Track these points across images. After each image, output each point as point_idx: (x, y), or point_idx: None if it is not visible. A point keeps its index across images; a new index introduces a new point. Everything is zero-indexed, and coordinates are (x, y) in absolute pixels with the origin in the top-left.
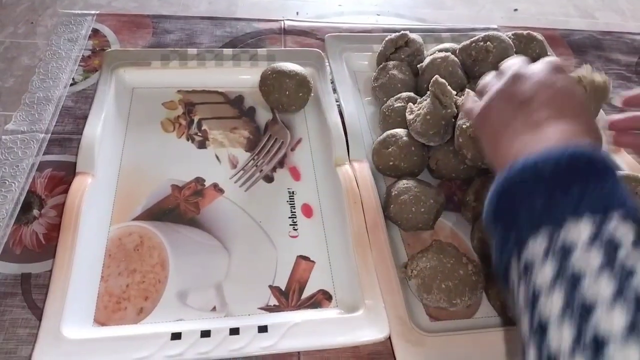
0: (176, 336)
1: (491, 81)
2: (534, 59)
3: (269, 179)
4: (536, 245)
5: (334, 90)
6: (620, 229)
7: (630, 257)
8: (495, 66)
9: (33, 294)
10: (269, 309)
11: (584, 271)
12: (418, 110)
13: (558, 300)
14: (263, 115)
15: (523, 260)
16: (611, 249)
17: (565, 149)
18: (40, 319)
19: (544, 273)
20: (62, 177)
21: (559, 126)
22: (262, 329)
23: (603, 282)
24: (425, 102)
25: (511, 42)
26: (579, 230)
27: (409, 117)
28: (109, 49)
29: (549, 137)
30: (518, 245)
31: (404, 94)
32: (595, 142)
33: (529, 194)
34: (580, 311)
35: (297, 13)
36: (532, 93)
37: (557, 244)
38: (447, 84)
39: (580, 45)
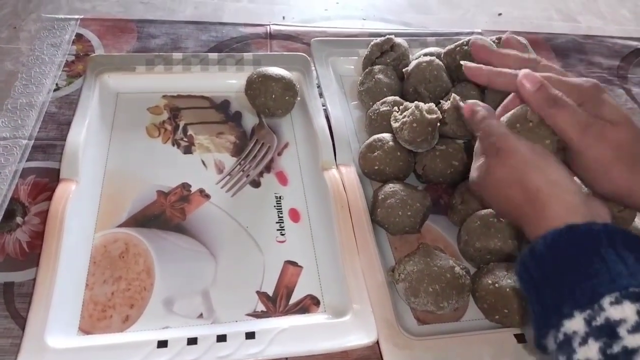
0: (162, 344)
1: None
2: None
3: (255, 184)
4: (576, 322)
5: (320, 95)
6: None
7: None
8: None
9: (16, 303)
10: (256, 315)
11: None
12: (403, 118)
13: None
14: (249, 120)
15: (561, 334)
16: None
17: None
18: (23, 329)
19: (587, 352)
20: (46, 184)
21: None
22: (250, 335)
23: None
24: (409, 110)
25: (495, 46)
26: (623, 310)
27: (395, 125)
28: (93, 54)
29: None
30: (558, 318)
31: (390, 98)
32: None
33: (565, 268)
34: None
35: (284, 18)
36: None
37: (598, 322)
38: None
39: (563, 49)
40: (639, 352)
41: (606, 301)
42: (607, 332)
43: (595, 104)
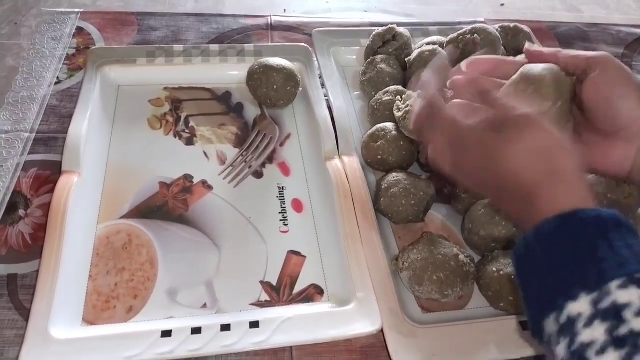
0: (166, 334)
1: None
2: (519, 51)
3: (258, 174)
4: (581, 304)
5: (322, 85)
6: None
7: None
8: None
9: (20, 295)
10: (260, 304)
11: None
12: (406, 107)
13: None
14: (251, 111)
15: (564, 316)
16: None
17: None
18: (27, 320)
19: (592, 333)
20: (48, 176)
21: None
22: (254, 324)
23: None
24: (412, 99)
25: (498, 35)
26: (630, 294)
27: (397, 114)
28: (94, 47)
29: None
30: (563, 300)
31: (393, 88)
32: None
33: (566, 252)
34: None
35: (285, 10)
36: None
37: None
38: None
39: (567, 38)
40: None
41: (614, 285)
42: (614, 314)
43: None
